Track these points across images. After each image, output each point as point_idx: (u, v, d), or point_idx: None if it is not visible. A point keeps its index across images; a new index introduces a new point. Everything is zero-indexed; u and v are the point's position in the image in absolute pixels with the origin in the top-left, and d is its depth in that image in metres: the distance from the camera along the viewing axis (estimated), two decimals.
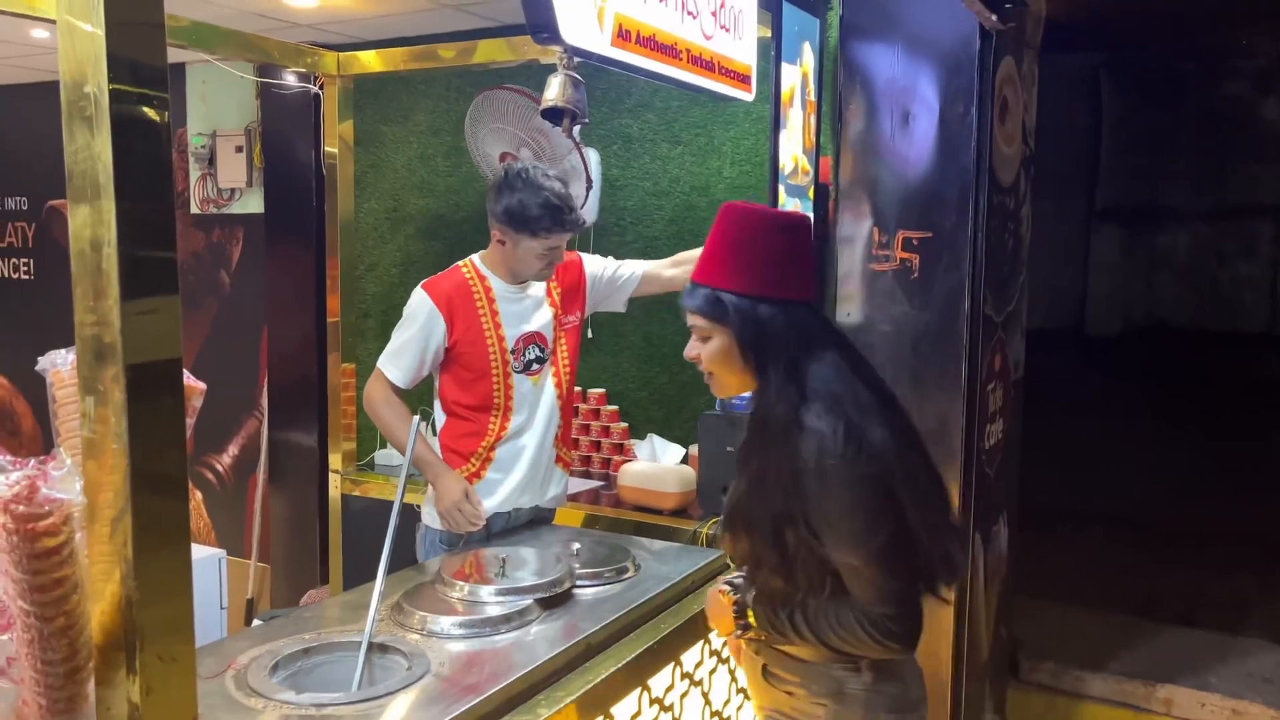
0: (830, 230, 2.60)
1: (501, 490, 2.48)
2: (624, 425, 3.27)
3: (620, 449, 3.24)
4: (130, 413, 0.95)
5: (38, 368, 1.20)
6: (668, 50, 1.69)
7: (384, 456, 3.39)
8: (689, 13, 1.73)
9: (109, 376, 0.95)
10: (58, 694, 0.97)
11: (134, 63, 0.94)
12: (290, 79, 3.74)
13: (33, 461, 0.90)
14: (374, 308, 3.75)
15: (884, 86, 2.47)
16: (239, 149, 3.94)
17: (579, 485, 3.14)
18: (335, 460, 3.30)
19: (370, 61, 3.20)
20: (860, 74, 2.49)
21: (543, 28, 1.39)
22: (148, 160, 0.96)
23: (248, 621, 3.85)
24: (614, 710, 1.76)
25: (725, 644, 2.09)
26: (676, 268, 2.69)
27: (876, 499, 1.47)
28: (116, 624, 0.97)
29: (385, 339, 3.70)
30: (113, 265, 0.94)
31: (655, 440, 2.99)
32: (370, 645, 1.78)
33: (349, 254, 3.48)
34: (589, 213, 3.21)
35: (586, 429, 3.31)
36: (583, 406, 3.32)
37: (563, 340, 2.55)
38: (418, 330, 2.45)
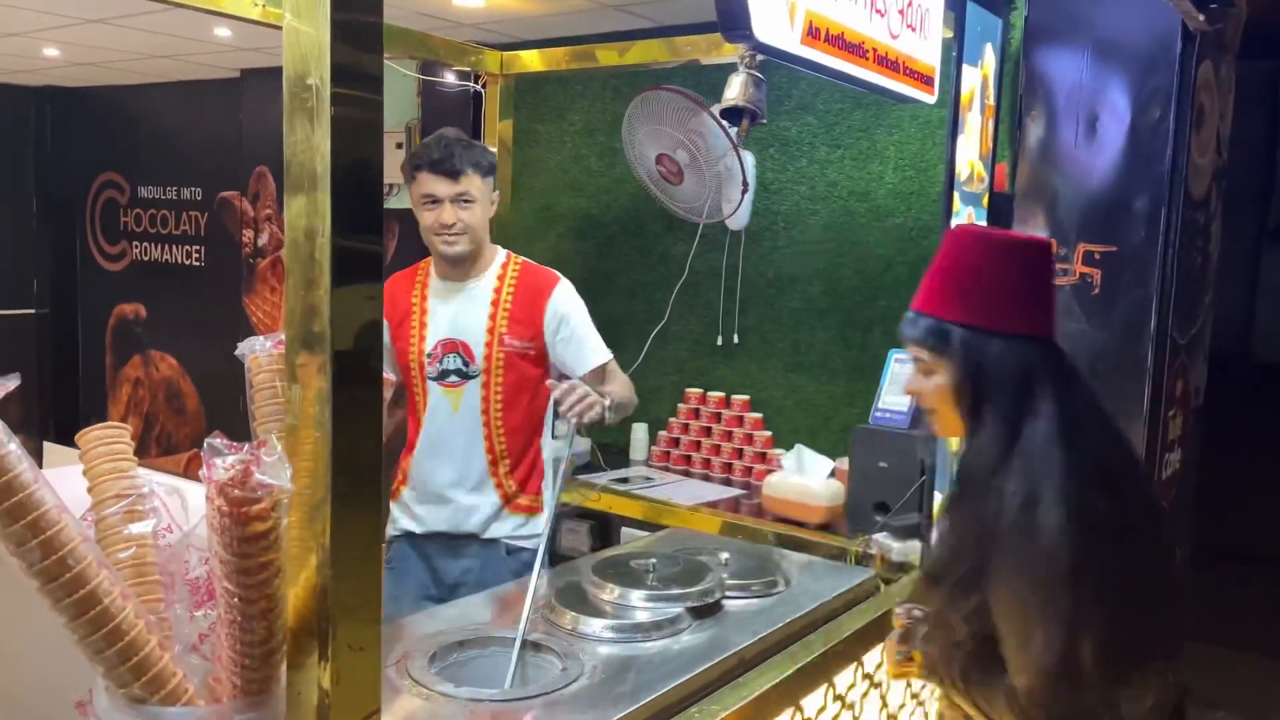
0: None
1: (412, 510, 2.32)
2: (768, 434, 3.21)
3: (763, 458, 3.18)
4: (335, 401, 0.96)
5: (236, 353, 1.23)
6: (855, 49, 1.63)
7: None
8: (877, 10, 1.67)
9: (316, 364, 0.96)
10: (253, 674, 0.99)
11: (354, 57, 0.95)
12: (450, 77, 3.82)
13: (247, 446, 0.91)
14: None
15: (1069, 91, 2.34)
16: (399, 145, 4.05)
17: (720, 493, 3.10)
18: None
19: (532, 61, 3.23)
20: (1043, 77, 2.37)
21: (735, 24, 1.35)
22: (362, 153, 0.96)
23: None
24: None
25: (884, 669, 2.02)
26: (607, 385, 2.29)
27: (1045, 583, 1.31)
28: (310, 610, 0.98)
29: None
30: (325, 255, 0.94)
31: (803, 451, 2.92)
32: (524, 643, 1.78)
33: None
34: (741, 216, 3.16)
35: (729, 435, 3.27)
36: (725, 413, 3.27)
37: (499, 361, 2.23)
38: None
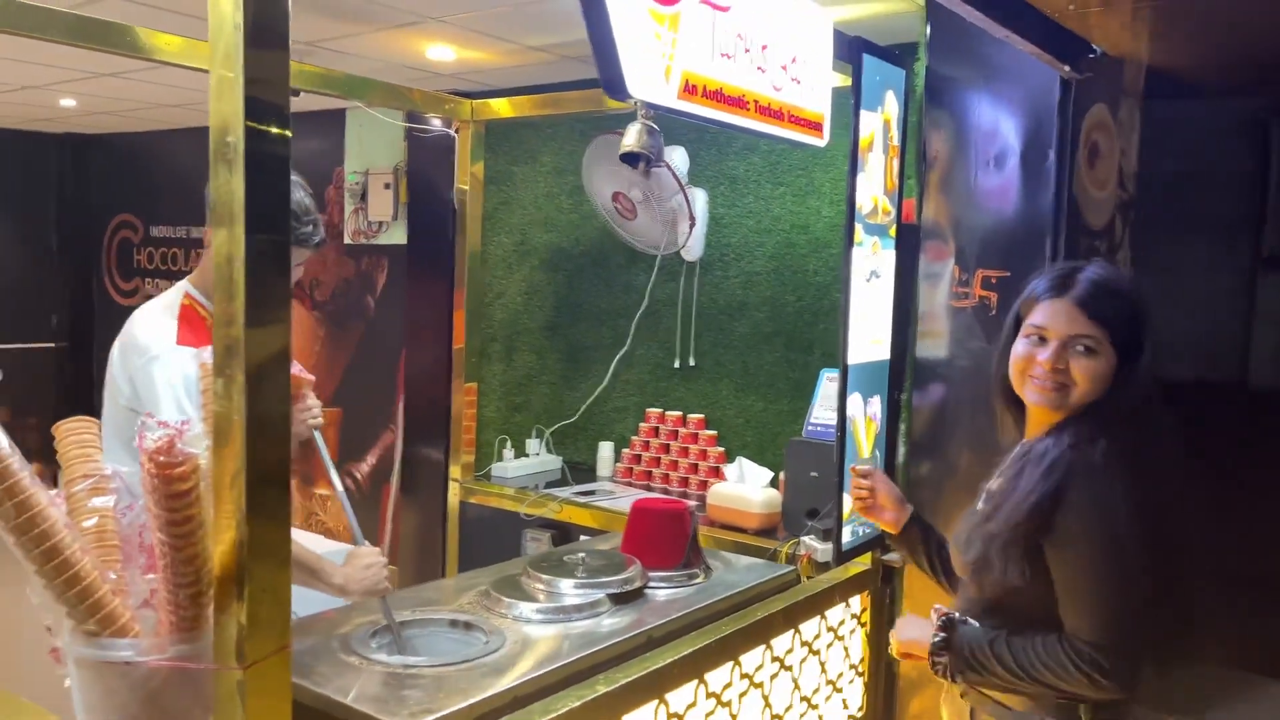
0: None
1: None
2: (720, 449, 3.44)
3: (716, 471, 3.40)
4: (248, 392, 1.21)
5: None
6: (735, 102, 1.87)
7: (499, 469, 3.67)
8: (758, 68, 1.92)
9: (235, 364, 1.21)
10: (184, 613, 1.23)
11: (265, 121, 1.20)
12: (435, 123, 4.12)
13: (174, 424, 1.16)
14: (499, 333, 4.06)
15: (968, 132, 2.58)
16: (387, 186, 4.35)
17: None
18: (455, 470, 3.60)
19: (500, 108, 3.52)
20: (945, 120, 2.61)
21: (611, 83, 1.61)
22: (272, 194, 1.22)
23: None
24: (669, 697, 1.92)
25: (795, 653, 2.23)
26: None
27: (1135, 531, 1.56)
28: (230, 560, 1.22)
29: (509, 362, 4.02)
30: (240, 276, 1.20)
31: (744, 462, 3.14)
32: (456, 623, 2.02)
33: (479, 283, 3.81)
34: (695, 248, 3.41)
35: (685, 451, 3.49)
36: (682, 430, 3.51)
37: None
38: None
